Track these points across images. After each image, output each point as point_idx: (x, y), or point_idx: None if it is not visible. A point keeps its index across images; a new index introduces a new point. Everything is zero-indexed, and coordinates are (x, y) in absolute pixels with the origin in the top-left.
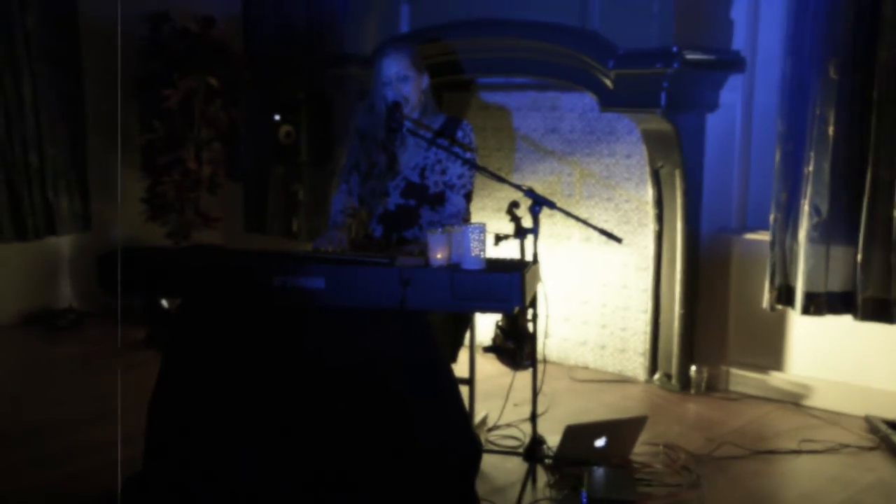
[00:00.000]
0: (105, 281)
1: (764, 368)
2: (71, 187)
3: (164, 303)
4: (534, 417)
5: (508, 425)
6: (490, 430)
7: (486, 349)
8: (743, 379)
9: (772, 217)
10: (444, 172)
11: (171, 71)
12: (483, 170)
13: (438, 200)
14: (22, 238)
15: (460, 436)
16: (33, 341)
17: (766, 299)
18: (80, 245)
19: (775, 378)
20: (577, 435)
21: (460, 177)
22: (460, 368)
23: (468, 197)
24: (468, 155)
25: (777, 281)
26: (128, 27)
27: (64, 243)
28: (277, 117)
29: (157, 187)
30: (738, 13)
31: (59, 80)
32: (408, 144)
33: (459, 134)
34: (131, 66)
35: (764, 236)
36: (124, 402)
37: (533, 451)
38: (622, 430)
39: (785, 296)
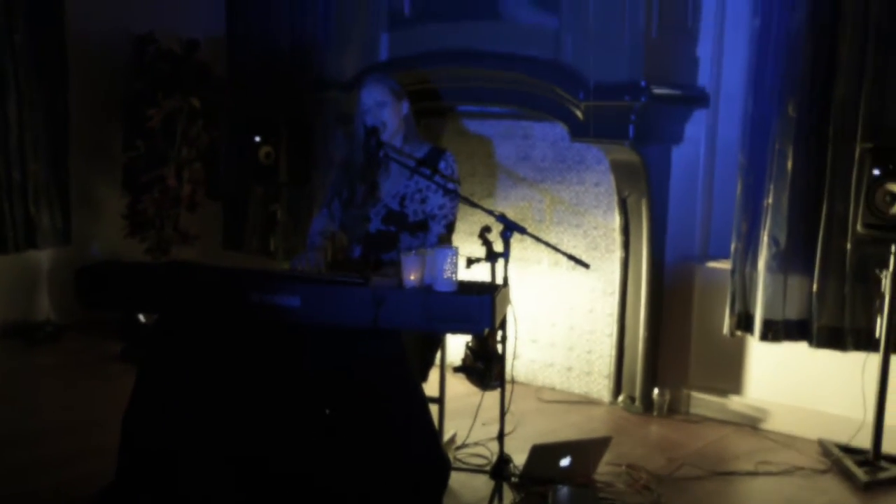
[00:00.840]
0: (83, 294)
1: (723, 392)
2: (52, 202)
3: (141, 317)
4: (501, 436)
5: (476, 444)
6: (458, 448)
7: (456, 369)
8: (703, 402)
9: (733, 247)
10: (424, 202)
11: (155, 91)
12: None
13: (419, 228)
14: (3, 251)
15: (429, 453)
16: (11, 352)
17: (726, 325)
18: (60, 259)
19: (734, 402)
20: (543, 454)
21: (441, 207)
22: (431, 388)
23: (450, 227)
24: (450, 186)
25: (737, 308)
26: (114, 48)
27: (44, 257)
28: (258, 138)
29: (138, 204)
30: (704, 51)
31: (43, 98)
32: (391, 172)
33: (442, 165)
34: (116, 86)
35: (725, 265)
36: (99, 415)
37: (500, 469)
38: (586, 451)
39: (744, 322)
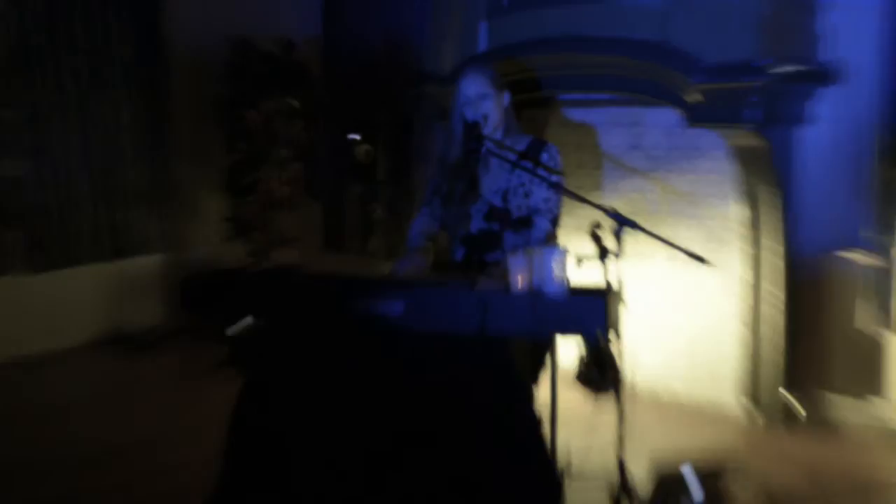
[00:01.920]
0: (188, 303)
1: (867, 395)
2: (156, 208)
3: (246, 323)
4: (618, 447)
5: (591, 453)
6: (572, 459)
7: (576, 377)
8: (845, 406)
9: (870, 235)
10: (527, 196)
11: (254, 93)
12: (566, 192)
13: (522, 224)
14: (110, 258)
15: (541, 468)
16: (119, 358)
17: (867, 322)
18: (166, 264)
19: (879, 405)
20: (668, 486)
21: (546, 200)
22: (542, 394)
23: (555, 221)
24: (554, 178)
25: (882, 303)
26: (211, 51)
27: (150, 262)
28: (356, 137)
29: (241, 206)
30: (826, 23)
31: (145, 105)
32: (491, 167)
33: (545, 157)
34: (214, 89)
35: (862, 256)
36: (207, 420)
37: (621, 486)
38: (716, 481)
39: (888, 318)
